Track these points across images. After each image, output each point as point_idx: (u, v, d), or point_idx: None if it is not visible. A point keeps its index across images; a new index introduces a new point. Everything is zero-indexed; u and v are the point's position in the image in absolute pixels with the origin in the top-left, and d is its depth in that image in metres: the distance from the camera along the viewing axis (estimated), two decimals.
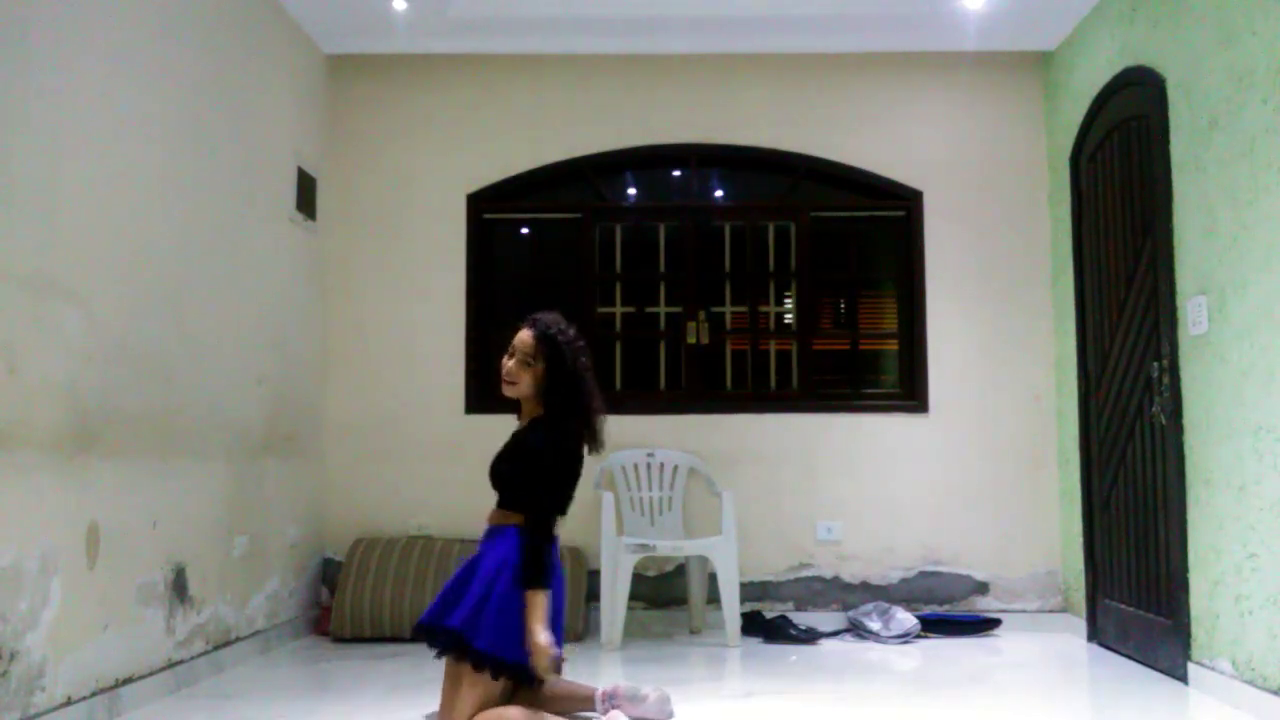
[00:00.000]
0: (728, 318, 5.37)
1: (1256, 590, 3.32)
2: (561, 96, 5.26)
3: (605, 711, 3.14)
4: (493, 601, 2.90)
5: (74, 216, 3.09)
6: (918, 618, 4.73)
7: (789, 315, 5.50)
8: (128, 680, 3.32)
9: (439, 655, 2.99)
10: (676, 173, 5.45)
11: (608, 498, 4.64)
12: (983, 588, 5.01)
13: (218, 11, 4.04)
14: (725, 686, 3.94)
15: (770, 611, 4.88)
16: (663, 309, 5.38)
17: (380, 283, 5.19)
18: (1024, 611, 4.98)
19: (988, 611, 4.94)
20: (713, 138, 5.26)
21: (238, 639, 4.11)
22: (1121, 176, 4.32)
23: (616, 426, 5.07)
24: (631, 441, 5.04)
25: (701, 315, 5.23)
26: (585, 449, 3.14)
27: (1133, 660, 4.19)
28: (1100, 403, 4.53)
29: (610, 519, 4.58)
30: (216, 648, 3.93)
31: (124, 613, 3.31)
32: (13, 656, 2.77)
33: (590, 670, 4.12)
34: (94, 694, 3.13)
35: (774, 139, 5.24)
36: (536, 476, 3.01)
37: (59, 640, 2.96)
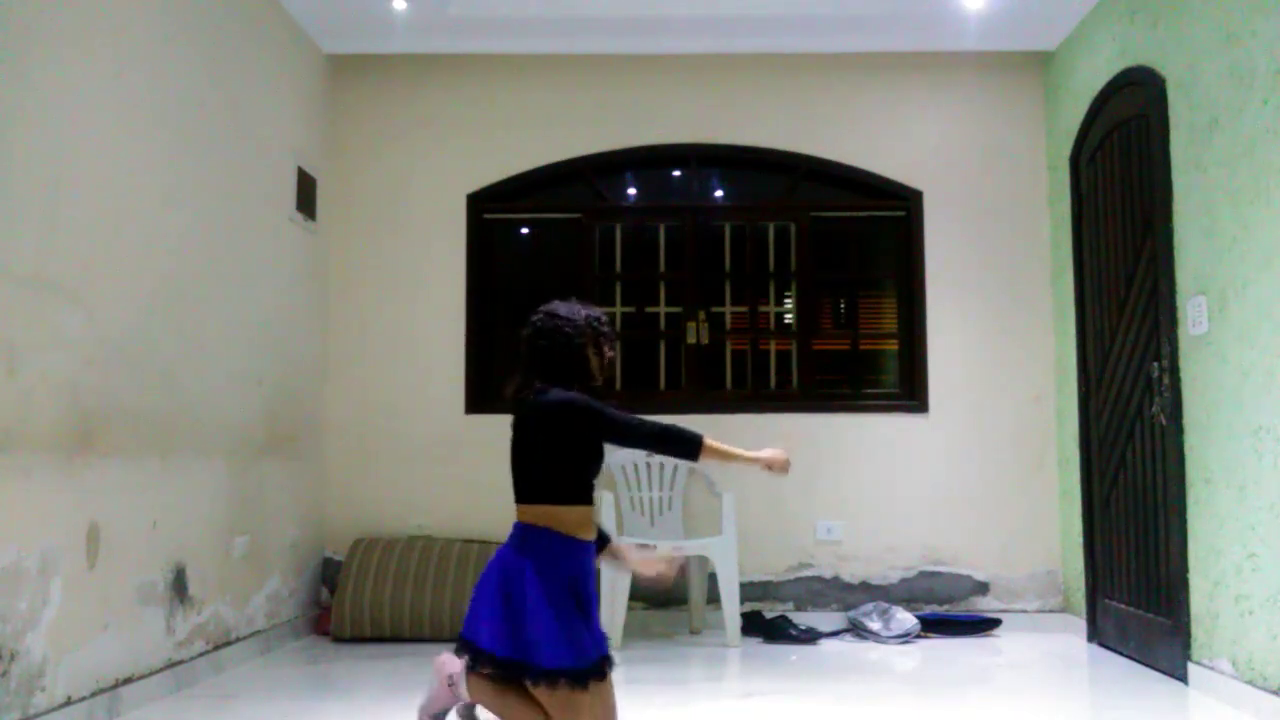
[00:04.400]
0: (728, 318, 5.37)
1: (1256, 590, 3.32)
2: (561, 96, 5.26)
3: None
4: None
5: (75, 217, 3.09)
6: (918, 618, 4.73)
7: (789, 315, 5.50)
8: (128, 680, 3.32)
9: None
10: (676, 173, 5.45)
11: (607, 498, 4.64)
12: (983, 588, 5.01)
13: (218, 12, 4.04)
14: (725, 686, 3.94)
15: (770, 611, 4.88)
16: (663, 309, 5.38)
17: (380, 283, 5.19)
18: (1024, 611, 4.98)
19: (988, 611, 4.94)
20: (713, 138, 5.26)
21: (238, 639, 4.11)
22: (1121, 177, 4.32)
23: None
24: None
25: (701, 315, 5.23)
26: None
27: (1133, 660, 4.19)
28: (1100, 403, 4.53)
29: (610, 519, 4.58)
30: (216, 648, 3.93)
31: (124, 613, 3.31)
32: (13, 656, 2.77)
33: None
34: (94, 694, 3.13)
35: (774, 139, 5.24)
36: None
37: (59, 640, 2.96)
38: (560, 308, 2.88)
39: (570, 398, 2.71)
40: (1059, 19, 4.80)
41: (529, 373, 2.79)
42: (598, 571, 2.82)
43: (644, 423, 2.75)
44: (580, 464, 2.74)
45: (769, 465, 2.77)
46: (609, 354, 2.87)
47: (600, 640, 2.66)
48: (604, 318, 2.88)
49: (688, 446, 2.72)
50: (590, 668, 2.58)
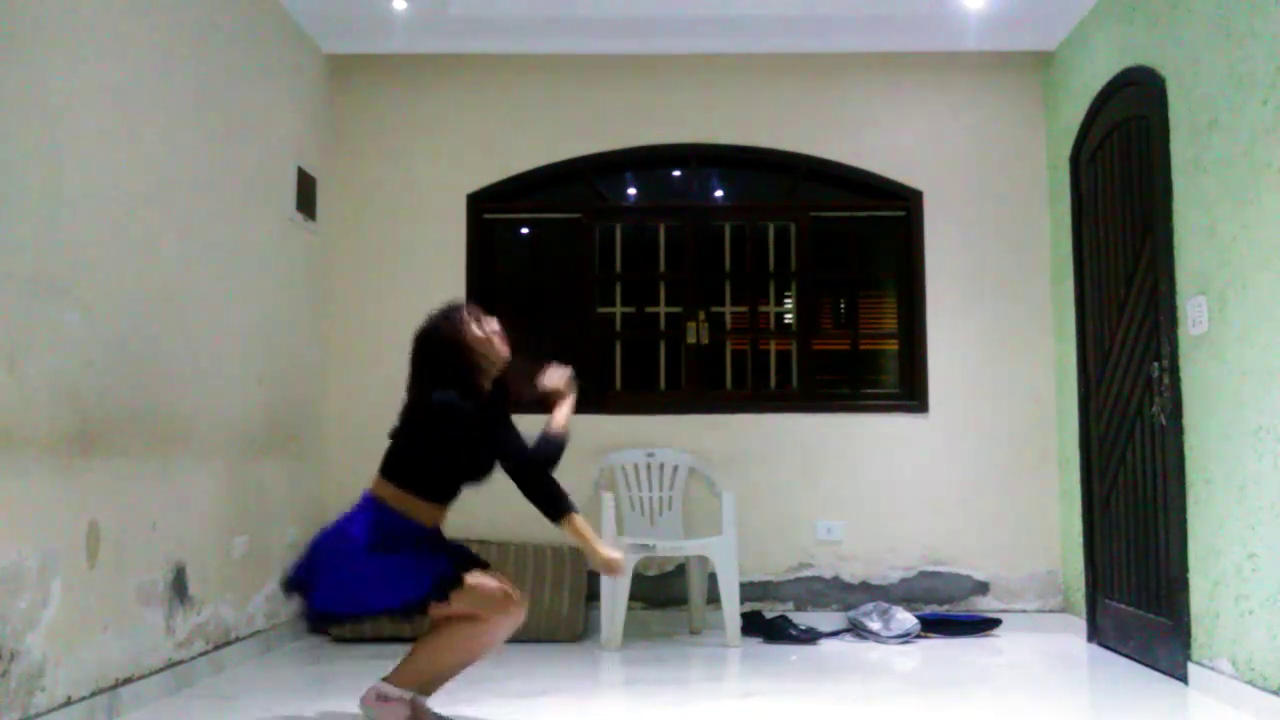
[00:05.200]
0: (728, 318, 5.37)
1: (1256, 590, 3.32)
2: (561, 96, 5.26)
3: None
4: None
5: (74, 217, 3.08)
6: (918, 618, 4.73)
7: (789, 315, 5.50)
8: (128, 680, 3.32)
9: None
10: (676, 173, 5.45)
11: (608, 498, 4.64)
12: (983, 588, 5.01)
13: (218, 11, 4.04)
14: (725, 686, 3.94)
15: (770, 611, 4.88)
16: (663, 309, 5.38)
17: (380, 283, 5.19)
18: (1024, 611, 4.98)
19: (988, 611, 4.94)
20: (713, 138, 5.26)
21: (238, 639, 4.11)
22: (1121, 176, 4.32)
23: (616, 426, 5.11)
24: (631, 441, 5.04)
25: (701, 315, 5.23)
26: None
27: (1133, 660, 4.19)
28: (1100, 403, 4.53)
29: (610, 519, 4.58)
30: (216, 648, 3.93)
31: (124, 613, 3.31)
32: (13, 656, 2.77)
33: (590, 669, 4.13)
34: (94, 694, 3.13)
35: (774, 139, 5.24)
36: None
37: (59, 640, 2.96)
38: (424, 328, 3.09)
39: (462, 405, 2.95)
40: (1059, 19, 4.80)
41: (424, 375, 3.03)
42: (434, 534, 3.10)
43: (533, 462, 2.99)
44: (459, 468, 3.03)
45: (607, 566, 3.06)
46: (489, 323, 3.07)
47: (440, 562, 2.94)
48: (455, 303, 3.12)
49: (554, 508, 2.98)
50: (434, 589, 2.86)
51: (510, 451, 2.98)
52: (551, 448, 3.03)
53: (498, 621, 2.94)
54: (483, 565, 3.09)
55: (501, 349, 3.09)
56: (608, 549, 3.08)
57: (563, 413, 3.14)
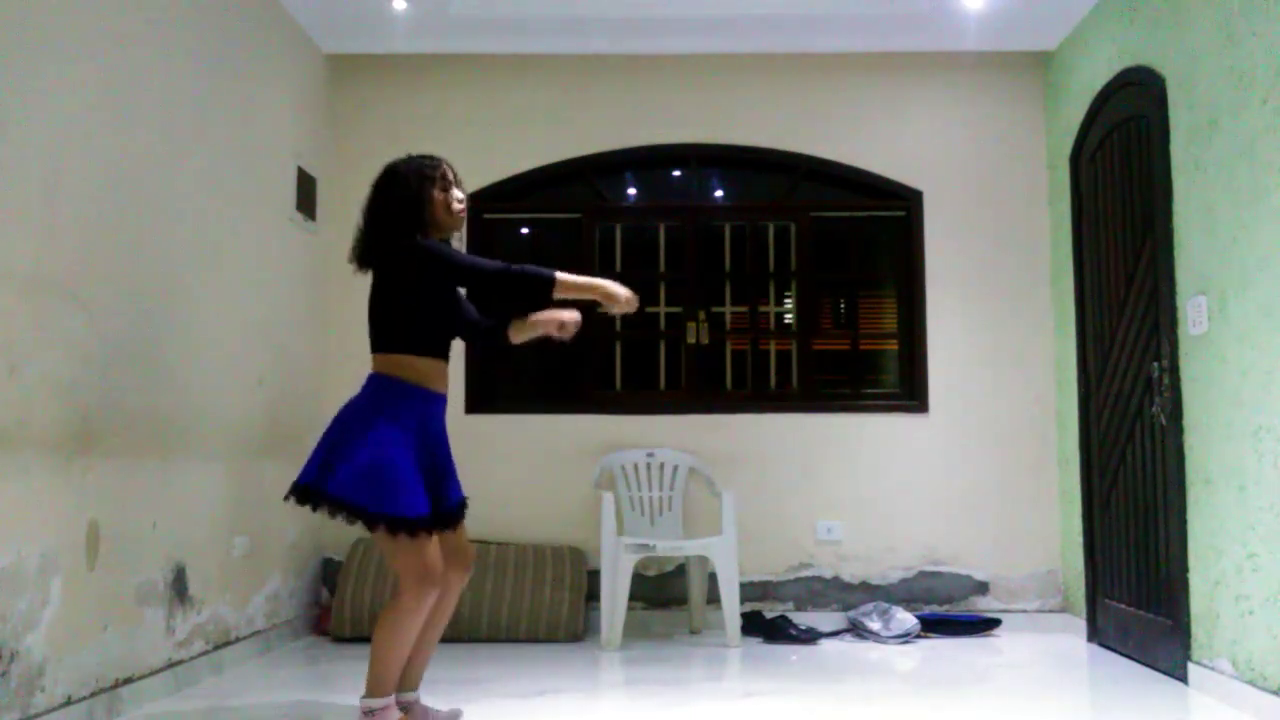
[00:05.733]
0: (728, 318, 5.37)
1: (1256, 590, 3.32)
2: (561, 96, 5.26)
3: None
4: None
5: (74, 216, 3.08)
6: (918, 618, 4.73)
7: (789, 315, 5.50)
8: (128, 680, 3.32)
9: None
10: (676, 173, 5.45)
11: (608, 498, 4.64)
12: (983, 588, 5.01)
13: (218, 11, 4.04)
14: (725, 686, 3.94)
15: (770, 611, 4.88)
16: (663, 309, 5.38)
17: None
18: (1024, 611, 4.98)
19: (988, 611, 4.95)
20: (713, 138, 5.26)
21: (238, 639, 4.11)
22: (1121, 176, 4.32)
23: (616, 426, 5.11)
24: (631, 441, 5.04)
25: (701, 315, 5.23)
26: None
27: (1133, 660, 4.19)
28: (1100, 403, 4.53)
29: (610, 519, 4.58)
30: (216, 648, 3.93)
31: (124, 613, 3.31)
32: (13, 656, 2.77)
33: (589, 670, 4.13)
34: (94, 694, 3.13)
35: (774, 139, 5.24)
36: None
37: (59, 640, 2.96)
38: (397, 163, 3.09)
39: (415, 243, 2.92)
40: (1059, 19, 4.80)
41: (382, 226, 3.04)
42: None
43: (485, 263, 2.97)
44: (432, 313, 2.97)
45: (608, 297, 3.06)
46: (455, 193, 3.05)
47: (422, 502, 2.83)
48: (434, 160, 3.07)
49: (537, 285, 2.95)
50: (385, 520, 2.77)
51: (476, 268, 2.94)
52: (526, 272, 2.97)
53: (410, 599, 2.82)
54: (455, 523, 2.99)
55: (459, 218, 3.08)
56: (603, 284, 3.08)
57: (547, 312, 3.15)
